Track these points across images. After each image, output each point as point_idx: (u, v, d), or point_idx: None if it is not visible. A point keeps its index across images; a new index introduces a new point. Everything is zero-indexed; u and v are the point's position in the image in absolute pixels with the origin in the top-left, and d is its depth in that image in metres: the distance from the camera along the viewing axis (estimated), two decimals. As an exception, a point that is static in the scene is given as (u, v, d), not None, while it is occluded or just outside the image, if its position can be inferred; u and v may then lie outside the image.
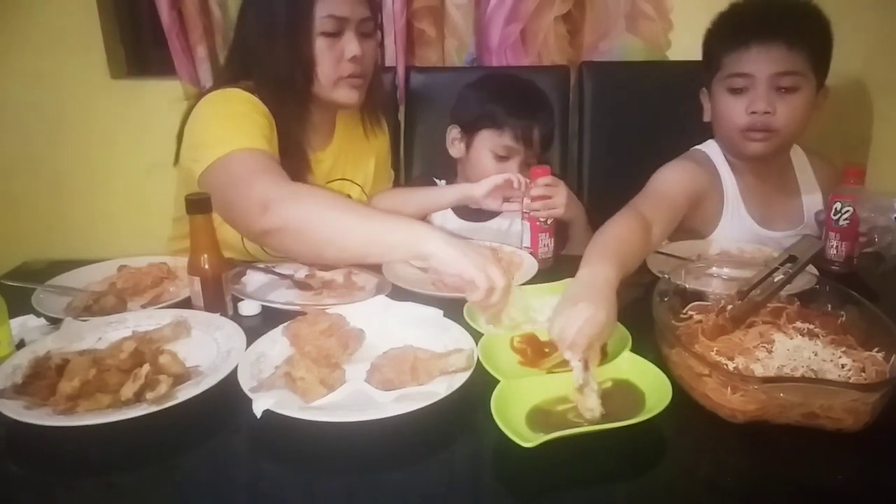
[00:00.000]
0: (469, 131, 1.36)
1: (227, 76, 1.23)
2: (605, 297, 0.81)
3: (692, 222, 1.29)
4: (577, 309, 0.78)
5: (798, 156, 1.34)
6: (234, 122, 1.11)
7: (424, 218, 1.37)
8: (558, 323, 0.78)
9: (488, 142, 1.34)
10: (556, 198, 1.21)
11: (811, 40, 1.17)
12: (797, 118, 1.19)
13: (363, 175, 1.37)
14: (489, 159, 1.34)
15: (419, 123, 1.65)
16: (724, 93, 1.23)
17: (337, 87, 1.19)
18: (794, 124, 1.19)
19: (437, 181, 1.48)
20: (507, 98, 1.34)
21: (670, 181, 1.25)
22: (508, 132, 1.31)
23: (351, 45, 1.15)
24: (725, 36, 1.22)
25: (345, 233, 0.98)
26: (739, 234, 1.29)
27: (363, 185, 1.37)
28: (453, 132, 1.40)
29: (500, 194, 1.28)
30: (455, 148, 1.40)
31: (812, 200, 1.32)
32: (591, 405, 0.72)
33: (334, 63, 1.16)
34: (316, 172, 1.26)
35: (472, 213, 1.40)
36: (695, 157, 1.33)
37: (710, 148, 1.34)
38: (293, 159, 1.17)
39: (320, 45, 1.15)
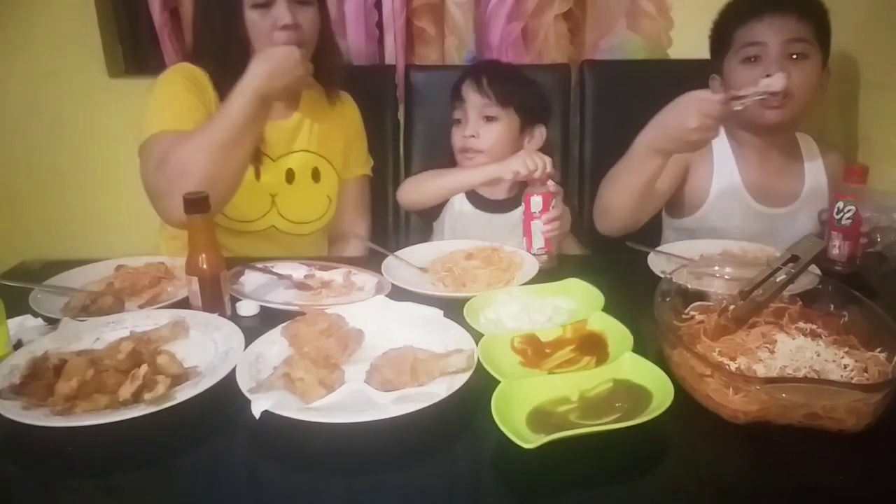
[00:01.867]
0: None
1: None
2: None
3: (681, 192, 1.35)
4: None
5: (805, 139, 1.38)
6: (165, 102, 1.19)
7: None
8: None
9: (453, 118, 1.45)
10: (566, 215, 1.26)
11: (816, 13, 1.24)
12: (809, 84, 1.24)
13: (331, 151, 1.37)
14: (453, 131, 1.43)
15: (419, 122, 1.65)
16: (737, 65, 1.27)
17: None
18: (806, 91, 1.24)
19: None
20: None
21: None
22: (452, 98, 1.42)
23: (282, 13, 1.16)
24: (738, 12, 1.27)
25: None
26: (732, 206, 1.33)
27: (331, 161, 1.37)
28: None
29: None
30: None
31: (815, 177, 1.35)
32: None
33: (267, 34, 1.17)
34: (273, 141, 1.28)
35: (491, 204, 1.43)
36: None
37: None
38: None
39: (251, 18, 1.17)
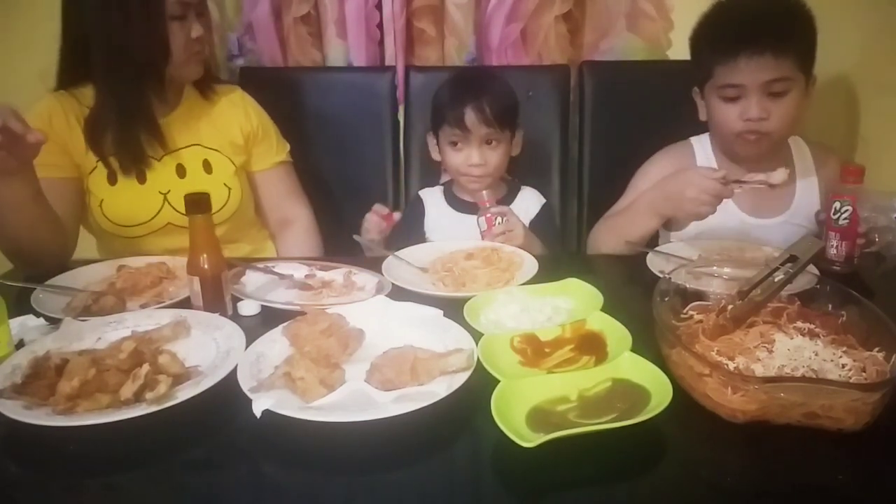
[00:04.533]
0: (435, 133, 1.43)
1: (64, 79, 1.29)
2: None
3: None
4: None
5: (798, 145, 1.37)
6: None
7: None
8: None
9: (443, 137, 1.40)
10: (514, 230, 1.26)
11: (796, 45, 1.21)
12: (790, 119, 1.24)
13: (221, 142, 1.38)
14: (450, 152, 1.40)
15: (419, 123, 1.65)
16: (717, 100, 1.26)
17: (188, 63, 1.29)
18: (788, 124, 1.24)
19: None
20: (447, 91, 1.40)
21: (642, 181, 1.38)
22: (450, 122, 1.37)
23: (195, 25, 1.26)
24: (713, 46, 1.25)
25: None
26: (723, 221, 1.31)
27: (223, 151, 1.38)
28: (430, 140, 1.46)
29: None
30: (434, 152, 1.46)
31: (806, 188, 1.34)
32: None
33: (184, 44, 1.26)
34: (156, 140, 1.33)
35: (470, 205, 1.43)
36: (671, 150, 1.41)
37: (700, 140, 1.39)
38: (144, 132, 1.28)
39: (172, 28, 1.24)
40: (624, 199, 1.41)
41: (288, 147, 1.49)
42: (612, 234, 1.33)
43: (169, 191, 1.31)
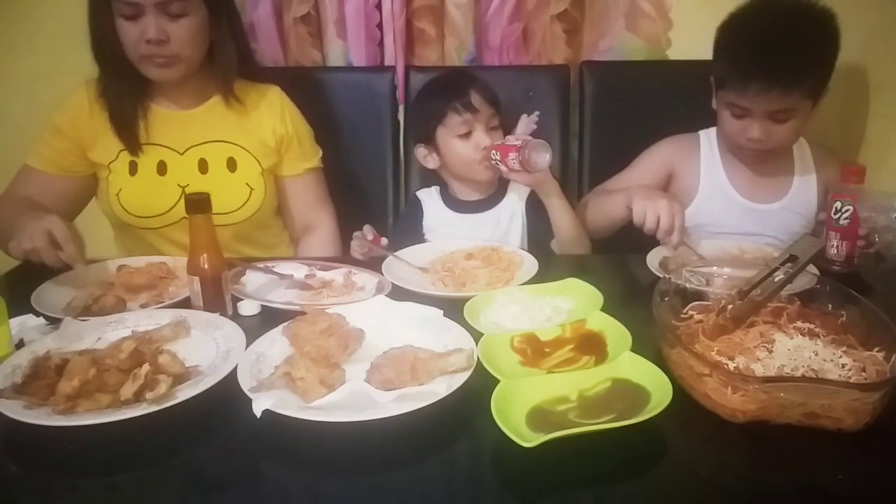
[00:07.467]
0: (429, 140, 1.42)
1: None
2: None
3: (670, 194, 1.35)
4: None
5: (798, 142, 1.38)
6: (46, 136, 1.31)
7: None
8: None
9: (447, 133, 1.38)
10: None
11: (810, 78, 1.20)
12: (791, 139, 1.29)
13: (250, 140, 1.36)
14: (459, 144, 1.38)
15: (419, 123, 1.65)
16: (724, 109, 1.29)
17: (142, 64, 1.25)
18: (788, 143, 1.30)
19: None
20: (435, 93, 1.41)
21: (647, 159, 1.44)
22: (453, 114, 1.36)
23: (148, 27, 1.20)
24: (728, 62, 1.25)
25: None
26: (720, 204, 1.37)
27: (250, 150, 1.36)
28: (420, 150, 1.45)
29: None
30: (431, 161, 1.44)
31: (804, 179, 1.37)
32: None
33: (134, 44, 1.22)
34: (179, 133, 1.32)
35: (465, 204, 1.44)
36: (681, 138, 1.45)
37: (708, 134, 1.43)
38: (126, 115, 1.30)
39: (120, 26, 1.22)
40: (624, 173, 1.44)
41: (320, 153, 1.47)
42: (594, 209, 1.38)
43: (188, 185, 1.30)
